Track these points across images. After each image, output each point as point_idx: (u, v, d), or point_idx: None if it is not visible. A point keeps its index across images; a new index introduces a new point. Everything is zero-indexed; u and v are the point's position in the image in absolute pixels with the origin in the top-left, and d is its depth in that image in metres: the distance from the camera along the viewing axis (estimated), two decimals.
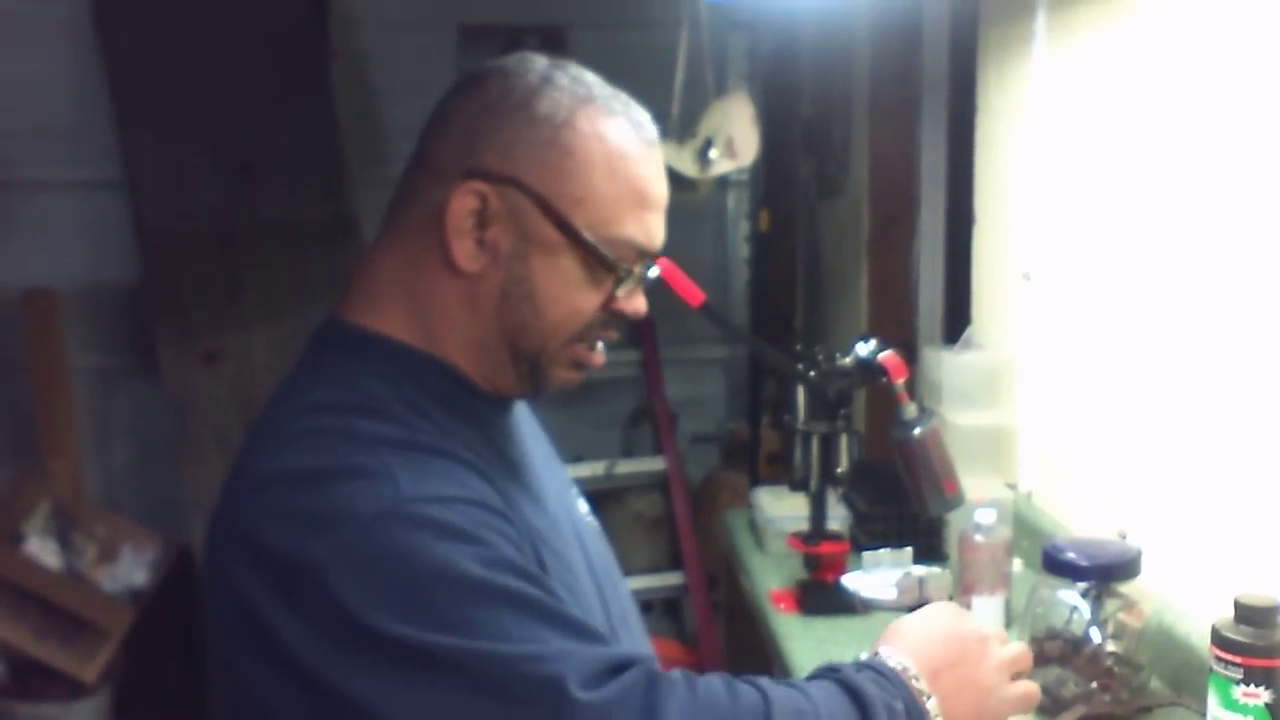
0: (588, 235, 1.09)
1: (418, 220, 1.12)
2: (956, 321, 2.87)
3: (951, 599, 1.17)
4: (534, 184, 1.09)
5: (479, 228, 1.09)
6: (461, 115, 1.12)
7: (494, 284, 1.11)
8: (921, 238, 3.14)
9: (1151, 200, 1.84)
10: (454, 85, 1.16)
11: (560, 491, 1.28)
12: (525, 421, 1.28)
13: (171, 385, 3.88)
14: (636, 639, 1.28)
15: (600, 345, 1.17)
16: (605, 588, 1.24)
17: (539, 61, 1.14)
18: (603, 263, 1.11)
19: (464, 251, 1.10)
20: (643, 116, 1.15)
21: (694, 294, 2.02)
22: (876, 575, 1.18)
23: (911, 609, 1.18)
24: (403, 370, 1.12)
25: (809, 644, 1.96)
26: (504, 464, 1.16)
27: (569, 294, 1.11)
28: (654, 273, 1.18)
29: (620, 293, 1.13)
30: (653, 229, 1.14)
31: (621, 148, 1.11)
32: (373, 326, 1.13)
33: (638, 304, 1.16)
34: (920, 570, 1.16)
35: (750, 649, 2.45)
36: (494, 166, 1.09)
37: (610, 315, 1.14)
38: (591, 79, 1.15)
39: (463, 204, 1.09)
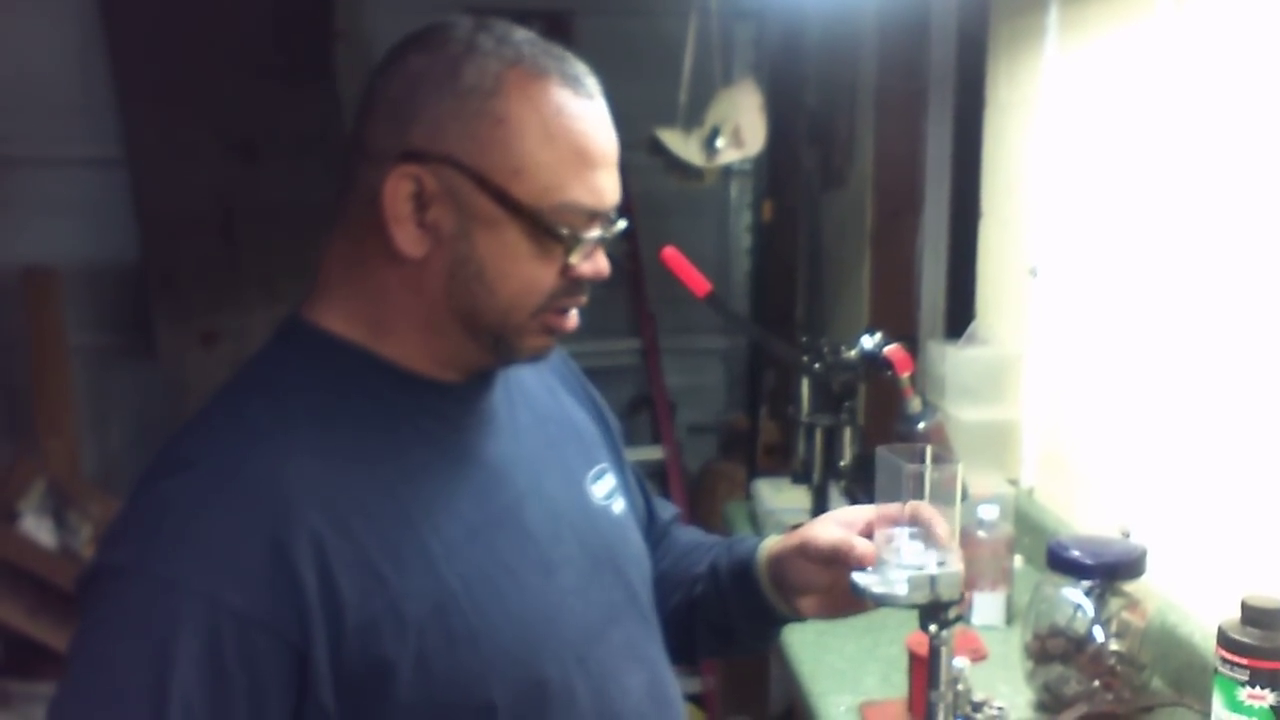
0: (530, 206, 1.04)
1: (358, 207, 1.07)
2: (958, 316, 2.86)
3: (962, 597, 1.16)
4: (468, 160, 1.04)
5: (419, 210, 1.05)
6: (388, 93, 1.07)
7: (441, 266, 1.06)
8: (925, 231, 3.13)
9: (1161, 197, 1.84)
10: (379, 62, 1.10)
11: (550, 475, 1.20)
12: (520, 404, 1.22)
13: (169, 365, 3.88)
14: (630, 633, 1.21)
15: (573, 310, 1.12)
16: (594, 577, 1.18)
17: (461, 27, 1.08)
18: (550, 233, 1.05)
19: (406, 237, 1.05)
20: (578, 69, 1.09)
21: (700, 284, 2.01)
22: (886, 571, 1.17)
23: (923, 606, 1.17)
24: (320, 370, 1.09)
25: (808, 636, 1.96)
26: (430, 455, 1.10)
27: (520, 268, 1.06)
28: (619, 227, 1.11)
29: (574, 259, 1.07)
30: (601, 187, 1.07)
31: (556, 108, 1.05)
32: (318, 321, 1.10)
33: (599, 266, 1.11)
34: (933, 567, 1.15)
35: None
36: (425, 145, 1.04)
37: (571, 282, 1.09)
38: (520, 37, 1.08)
39: (398, 189, 1.04)
